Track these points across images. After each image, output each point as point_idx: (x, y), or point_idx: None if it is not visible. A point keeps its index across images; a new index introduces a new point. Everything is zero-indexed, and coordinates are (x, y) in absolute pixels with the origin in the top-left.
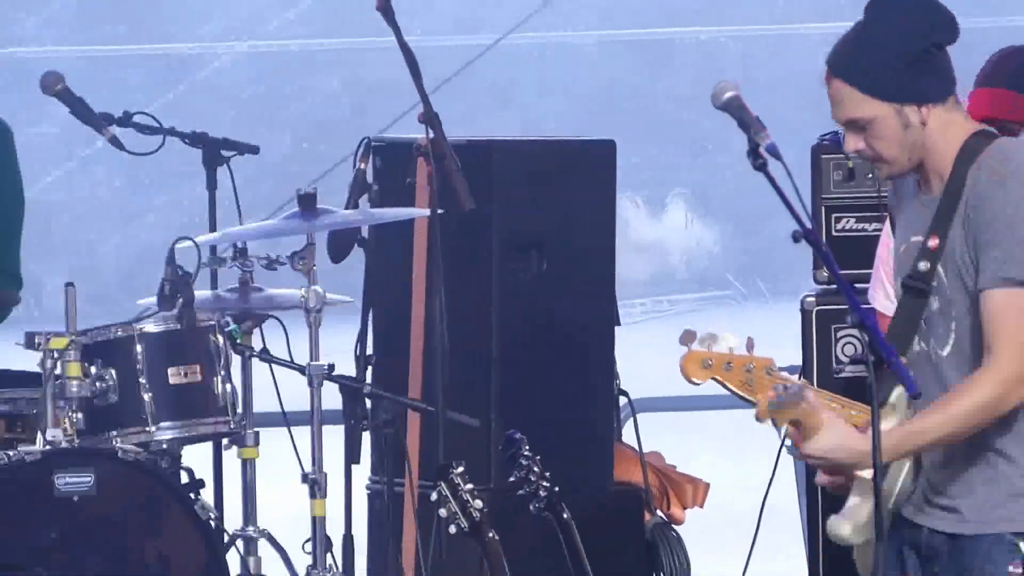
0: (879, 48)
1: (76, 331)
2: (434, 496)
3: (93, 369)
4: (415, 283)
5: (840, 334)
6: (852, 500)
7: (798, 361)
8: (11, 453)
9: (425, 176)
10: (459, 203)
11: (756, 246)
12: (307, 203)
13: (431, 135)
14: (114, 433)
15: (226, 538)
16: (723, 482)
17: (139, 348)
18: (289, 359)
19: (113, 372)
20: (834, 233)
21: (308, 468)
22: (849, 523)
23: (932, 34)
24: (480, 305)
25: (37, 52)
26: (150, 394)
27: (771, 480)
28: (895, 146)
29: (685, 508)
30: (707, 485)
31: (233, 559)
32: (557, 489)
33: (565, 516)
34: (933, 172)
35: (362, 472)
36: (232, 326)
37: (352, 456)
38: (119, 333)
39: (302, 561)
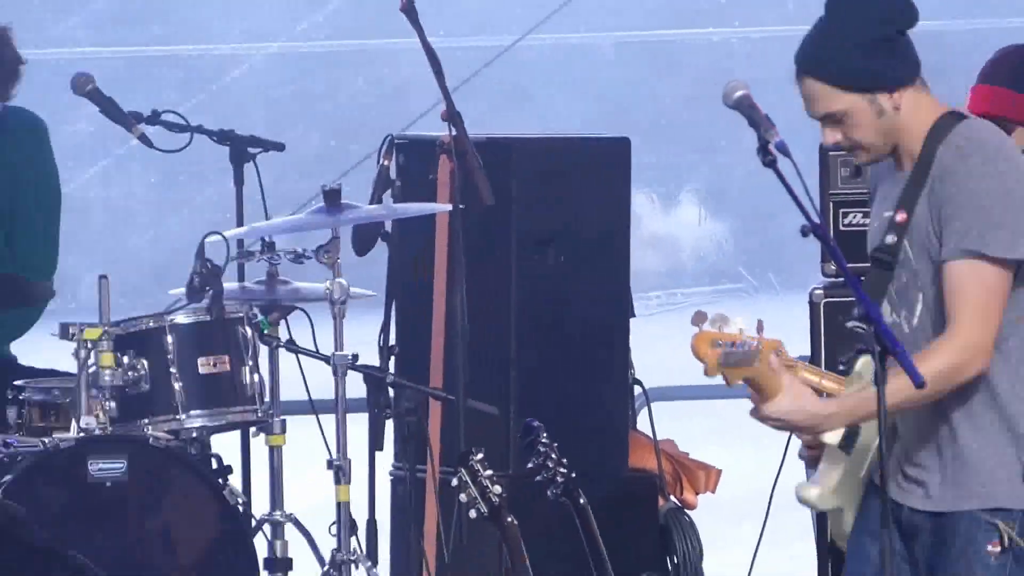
0: (843, 40)
1: (109, 322)
2: (455, 482)
3: (125, 359)
4: (436, 276)
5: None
6: (821, 466)
7: (807, 351)
8: (46, 440)
9: (447, 172)
10: (480, 198)
11: (766, 240)
12: (332, 199)
13: (453, 132)
14: (145, 421)
15: (254, 523)
16: (736, 469)
17: (170, 339)
18: (315, 349)
19: (145, 362)
20: (842, 228)
21: (333, 455)
22: (816, 488)
23: (893, 20)
24: (499, 297)
25: (75, 53)
26: (180, 383)
27: (781, 466)
28: (872, 133)
29: (698, 494)
30: (719, 471)
31: (260, 543)
32: (574, 475)
33: (581, 501)
34: (906, 152)
35: (385, 459)
36: (260, 317)
37: (376, 443)
38: (151, 324)
39: (327, 545)
